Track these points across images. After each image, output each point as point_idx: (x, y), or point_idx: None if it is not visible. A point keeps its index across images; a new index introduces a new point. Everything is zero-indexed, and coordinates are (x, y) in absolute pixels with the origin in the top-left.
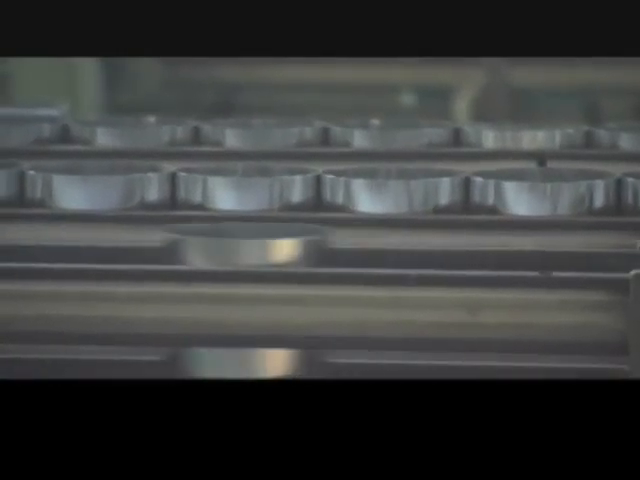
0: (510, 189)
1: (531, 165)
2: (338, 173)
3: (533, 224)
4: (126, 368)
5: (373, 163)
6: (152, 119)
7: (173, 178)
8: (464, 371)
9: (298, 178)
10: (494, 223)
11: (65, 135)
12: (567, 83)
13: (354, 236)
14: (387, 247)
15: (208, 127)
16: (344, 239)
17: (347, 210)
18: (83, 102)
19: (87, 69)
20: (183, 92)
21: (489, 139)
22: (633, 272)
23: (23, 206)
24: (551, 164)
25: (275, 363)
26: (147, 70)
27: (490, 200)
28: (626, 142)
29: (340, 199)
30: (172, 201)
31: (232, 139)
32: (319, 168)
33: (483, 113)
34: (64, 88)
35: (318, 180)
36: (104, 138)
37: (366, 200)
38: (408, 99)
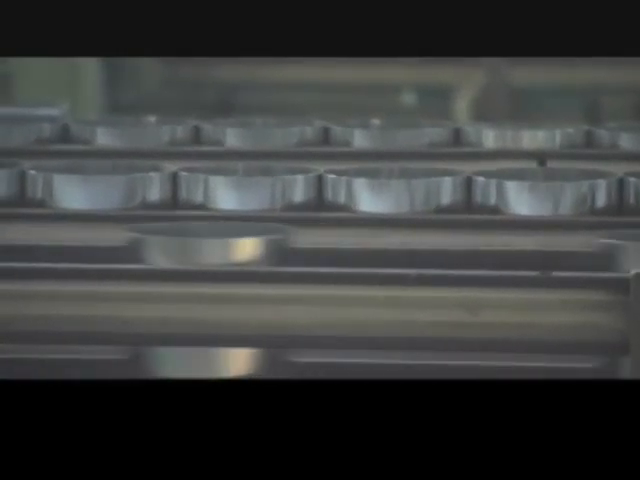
0: (512, 189)
1: (532, 165)
2: (340, 173)
3: (534, 224)
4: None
5: (374, 163)
6: (152, 119)
7: (174, 178)
8: (460, 371)
9: (300, 178)
10: (495, 223)
11: (66, 135)
12: (567, 83)
13: (355, 236)
14: (349, 246)
15: (208, 127)
16: (344, 239)
17: (349, 210)
18: (84, 102)
19: (88, 69)
20: (183, 92)
21: (489, 139)
22: (633, 272)
23: (24, 206)
24: (551, 164)
25: (249, 362)
26: (147, 70)
27: (492, 200)
28: (626, 142)
29: (342, 199)
30: (173, 201)
31: (232, 139)
32: (320, 168)
33: (483, 113)
34: (65, 88)
35: (320, 180)
36: (104, 138)
37: (368, 200)
38: (408, 99)
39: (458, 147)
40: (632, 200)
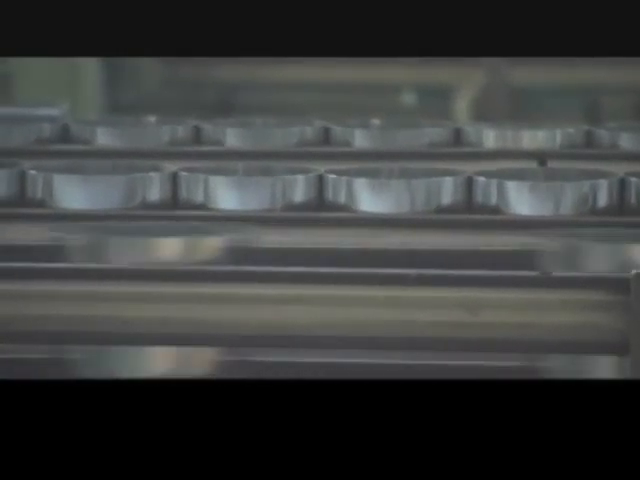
0: (512, 189)
1: (532, 165)
2: (340, 173)
3: (535, 224)
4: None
5: (375, 163)
6: (152, 119)
7: (174, 178)
8: (460, 371)
9: (300, 178)
10: (496, 223)
11: (66, 135)
12: (567, 83)
13: (355, 236)
14: (311, 246)
15: (209, 127)
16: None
17: (349, 210)
18: (84, 102)
19: (88, 69)
20: (183, 92)
21: (490, 139)
22: (634, 272)
23: (24, 206)
24: (551, 164)
25: (205, 362)
26: (147, 70)
27: (492, 200)
28: (626, 142)
29: (342, 199)
30: (173, 201)
31: (232, 139)
32: (320, 168)
33: (483, 113)
34: (65, 88)
35: (320, 180)
36: (105, 138)
37: (368, 200)
38: (409, 99)
39: (458, 147)
40: (633, 200)
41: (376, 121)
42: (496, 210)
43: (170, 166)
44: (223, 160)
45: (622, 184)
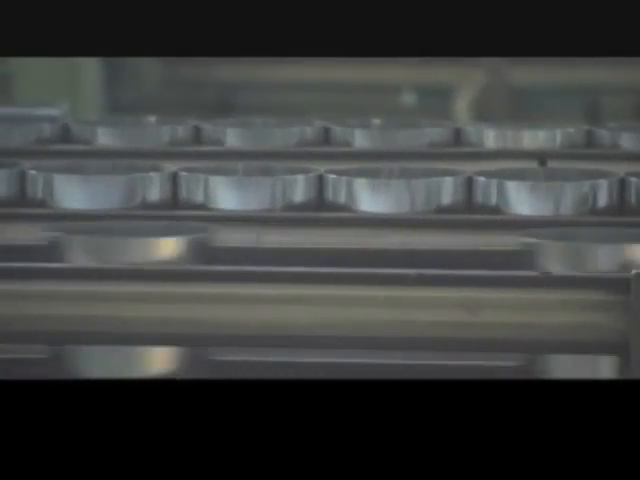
0: (513, 189)
1: (533, 165)
2: (340, 173)
3: (536, 224)
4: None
5: (375, 163)
6: (152, 119)
7: (174, 178)
8: (460, 371)
9: (300, 177)
10: (496, 223)
11: (66, 135)
12: (567, 83)
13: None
14: (311, 246)
15: (209, 127)
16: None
17: (349, 210)
18: (84, 102)
19: (88, 69)
20: (183, 92)
21: (490, 139)
22: (634, 271)
23: (24, 206)
24: (552, 164)
25: (166, 361)
26: (147, 70)
27: (493, 200)
28: (627, 142)
29: (342, 199)
30: (173, 201)
31: (233, 138)
32: (320, 168)
33: (483, 113)
34: (65, 88)
35: (320, 180)
36: (105, 138)
37: (368, 200)
38: (409, 99)
39: (458, 147)
40: (633, 200)
41: (376, 121)
42: (496, 210)
43: (170, 166)
44: (223, 160)
45: (622, 184)
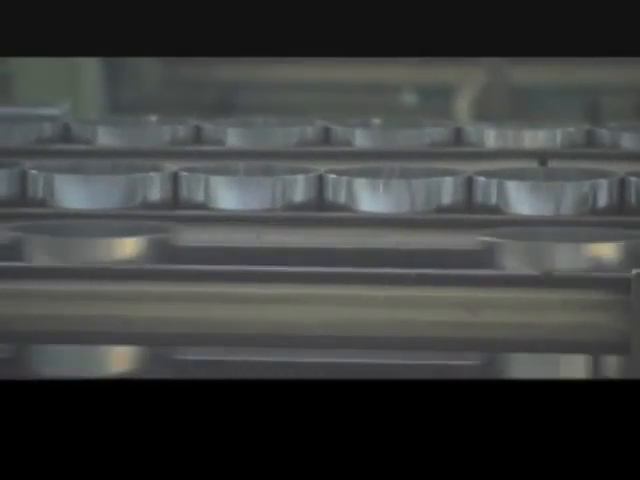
0: (513, 188)
1: (533, 164)
2: (340, 172)
3: (536, 223)
4: None
5: (375, 163)
6: (153, 118)
7: (175, 177)
8: (459, 370)
9: (300, 177)
10: (496, 223)
11: (66, 134)
12: (568, 82)
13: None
14: (311, 246)
15: (209, 126)
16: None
17: (349, 209)
18: (84, 101)
19: (88, 69)
20: (184, 92)
21: (490, 138)
22: (635, 271)
23: (25, 205)
24: (552, 163)
25: (121, 360)
26: (148, 70)
27: (493, 200)
28: (627, 141)
29: (342, 198)
30: (174, 200)
31: (233, 138)
32: (321, 167)
33: (484, 112)
34: (65, 87)
35: (320, 179)
36: (105, 137)
37: (368, 200)
38: (409, 99)
39: (459, 147)
40: (633, 200)
41: (377, 121)
42: (496, 210)
43: (171, 166)
44: (224, 160)
45: (622, 184)
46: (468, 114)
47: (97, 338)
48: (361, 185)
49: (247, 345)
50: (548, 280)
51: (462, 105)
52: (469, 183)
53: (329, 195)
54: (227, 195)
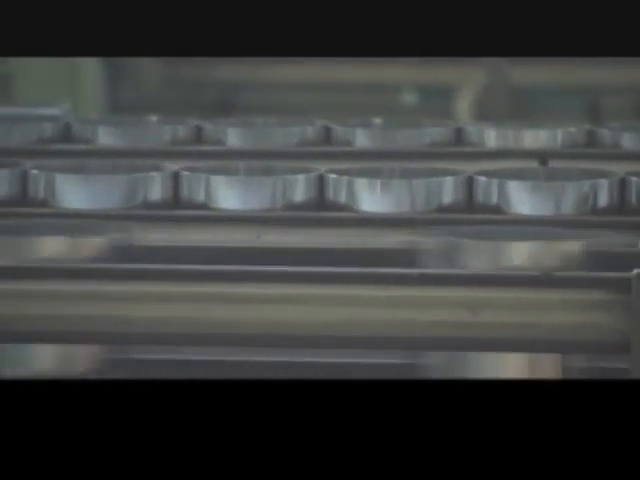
0: (514, 188)
1: (533, 164)
2: (341, 172)
3: (536, 223)
4: None
5: (375, 162)
6: (154, 118)
7: (176, 177)
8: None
9: (301, 177)
10: (496, 223)
11: (67, 134)
12: (569, 82)
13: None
14: (311, 246)
15: (210, 126)
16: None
17: (350, 209)
18: (85, 101)
19: (89, 69)
20: (184, 92)
21: (491, 138)
22: (635, 271)
23: (26, 205)
24: (553, 163)
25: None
26: (148, 70)
27: (493, 199)
28: (628, 141)
29: (343, 198)
30: (175, 200)
31: (234, 138)
32: (321, 167)
33: (484, 112)
34: (66, 87)
35: (321, 179)
36: (106, 137)
37: (369, 199)
38: (410, 98)
39: (459, 147)
40: (634, 200)
41: (377, 121)
42: (497, 210)
43: (171, 166)
44: (224, 160)
45: (623, 184)
46: (468, 114)
47: (97, 338)
48: (361, 185)
49: (247, 345)
50: (548, 280)
51: (462, 105)
52: (470, 183)
53: (329, 195)
54: (228, 195)
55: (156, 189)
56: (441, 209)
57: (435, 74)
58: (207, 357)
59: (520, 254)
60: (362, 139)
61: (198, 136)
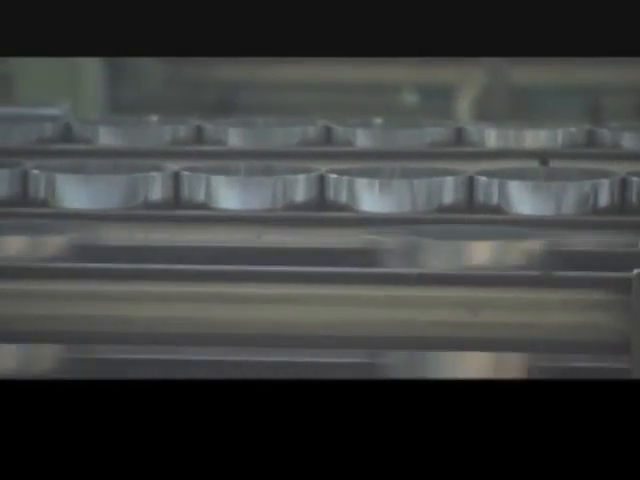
0: (514, 188)
1: (534, 164)
2: (341, 172)
3: (537, 223)
4: None
5: (376, 162)
6: (154, 118)
7: (176, 177)
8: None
9: (301, 177)
10: (497, 223)
11: (67, 134)
12: (569, 82)
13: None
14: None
15: (210, 126)
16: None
17: (350, 209)
18: (85, 101)
19: (89, 68)
20: (185, 92)
21: (491, 138)
22: (635, 271)
23: (26, 205)
24: (553, 163)
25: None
26: (149, 69)
27: (494, 199)
28: (628, 141)
29: (343, 198)
30: (175, 200)
31: (234, 138)
32: (322, 167)
33: (485, 112)
34: (66, 87)
35: (321, 179)
36: (106, 137)
37: (369, 199)
38: (410, 98)
39: (460, 147)
40: (634, 200)
41: (378, 121)
42: (498, 210)
43: (172, 166)
44: (225, 160)
45: (623, 184)
46: (468, 114)
47: (97, 338)
48: (362, 185)
49: (247, 345)
50: (548, 280)
51: (462, 105)
52: (470, 183)
53: (330, 195)
54: (228, 195)
55: (156, 189)
56: (441, 209)
57: (435, 74)
58: (207, 357)
59: (481, 254)
60: (363, 139)
61: (198, 136)
